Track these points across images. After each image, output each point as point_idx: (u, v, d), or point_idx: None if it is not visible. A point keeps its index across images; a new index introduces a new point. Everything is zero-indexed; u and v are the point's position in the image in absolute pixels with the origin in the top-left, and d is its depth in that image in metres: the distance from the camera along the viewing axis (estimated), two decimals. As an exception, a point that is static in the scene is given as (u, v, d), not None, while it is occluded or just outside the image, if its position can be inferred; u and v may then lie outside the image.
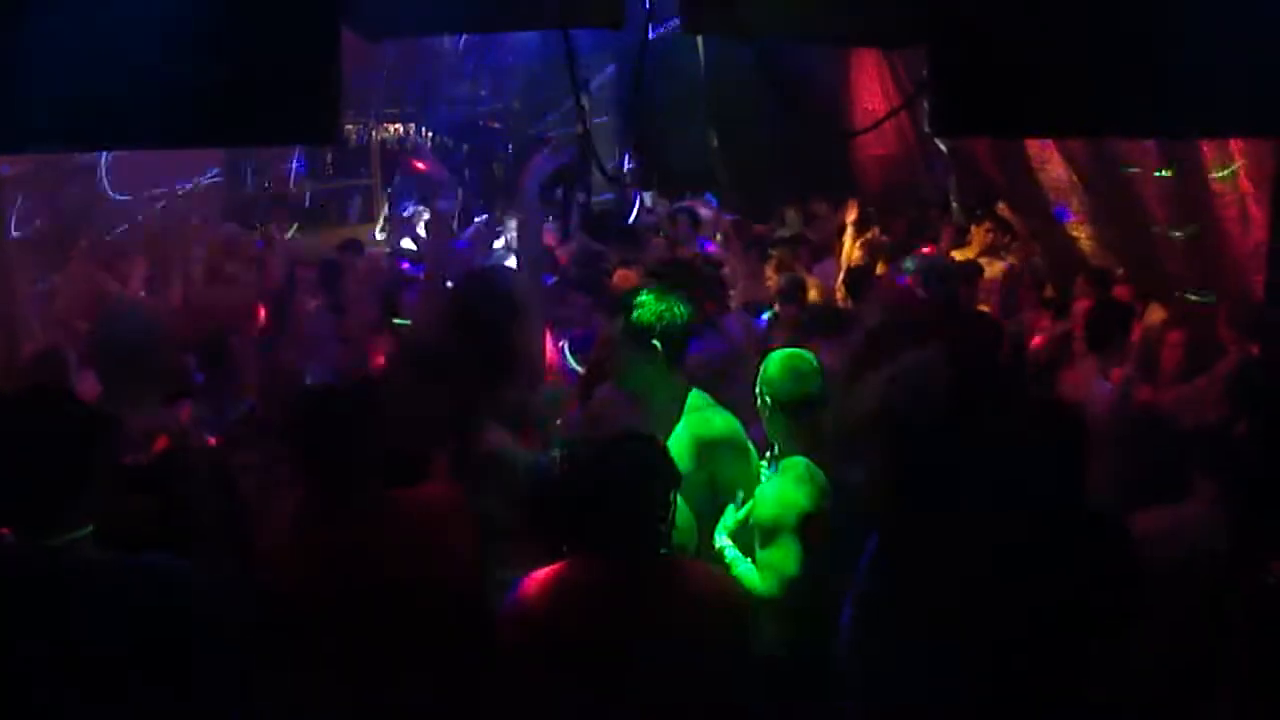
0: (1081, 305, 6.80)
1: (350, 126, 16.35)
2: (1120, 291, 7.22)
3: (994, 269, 8.57)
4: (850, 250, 8.33)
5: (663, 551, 3.08)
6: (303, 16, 2.50)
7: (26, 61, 2.36)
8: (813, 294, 7.84)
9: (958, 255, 9.10)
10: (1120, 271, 8.19)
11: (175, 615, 2.59)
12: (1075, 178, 9.25)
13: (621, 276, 7.31)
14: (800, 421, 3.85)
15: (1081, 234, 9.53)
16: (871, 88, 11.82)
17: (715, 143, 14.35)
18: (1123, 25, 2.72)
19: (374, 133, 16.66)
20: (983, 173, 10.48)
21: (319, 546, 3.12)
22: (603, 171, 2.77)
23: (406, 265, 8.76)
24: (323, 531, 3.14)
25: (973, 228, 9.52)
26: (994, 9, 2.72)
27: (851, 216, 8.37)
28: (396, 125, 17.32)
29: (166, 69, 2.44)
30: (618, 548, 3.01)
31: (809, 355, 3.95)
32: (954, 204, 11.16)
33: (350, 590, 3.05)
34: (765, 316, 7.32)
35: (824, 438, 3.87)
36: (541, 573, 3.04)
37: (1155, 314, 7.10)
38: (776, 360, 3.91)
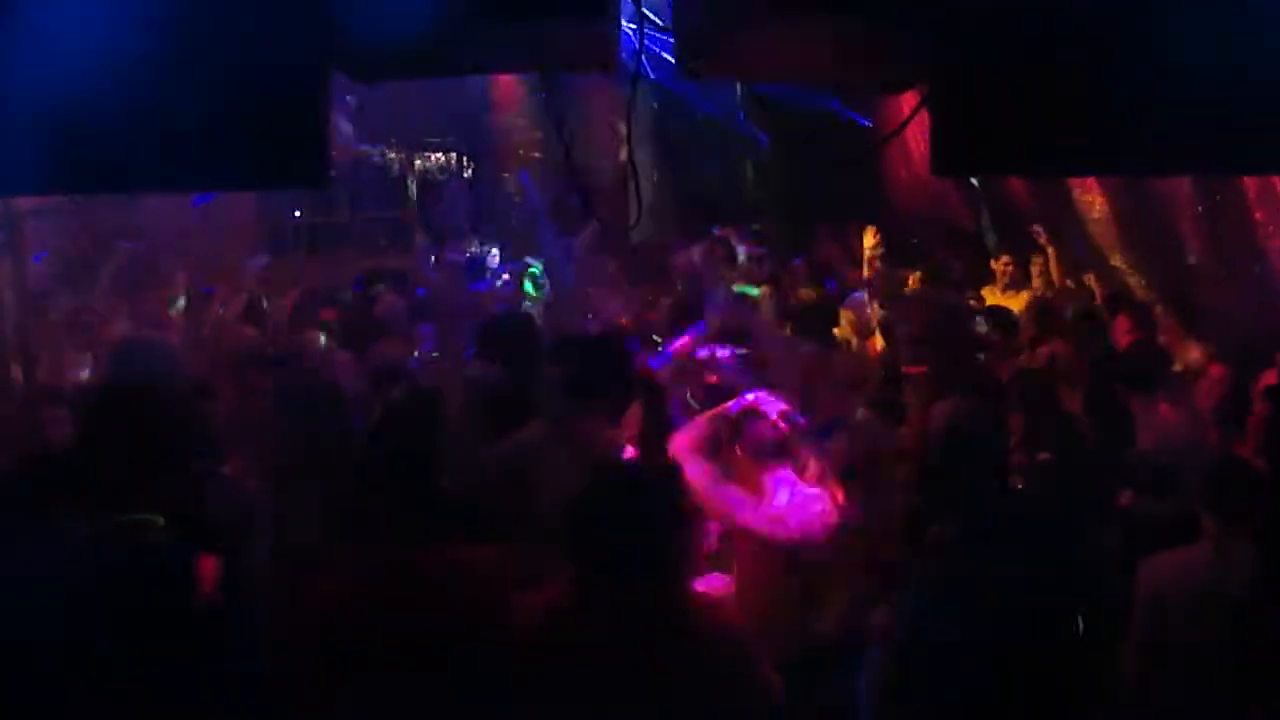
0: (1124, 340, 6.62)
1: (392, 155, 16.48)
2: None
3: (1017, 301, 8.43)
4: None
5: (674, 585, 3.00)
6: (291, 60, 2.50)
7: (5, 105, 2.37)
8: (844, 328, 7.68)
9: (988, 293, 8.97)
10: (1158, 308, 8.04)
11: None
12: (1111, 207, 9.15)
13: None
14: None
15: (1120, 263, 9.42)
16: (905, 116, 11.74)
17: (750, 174, 14.31)
18: (1128, 61, 2.67)
19: (414, 161, 16.73)
20: (1016, 203, 10.39)
21: (362, 592, 3.08)
22: (587, 207, 2.69)
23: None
24: (368, 577, 3.09)
25: (991, 261, 9.39)
26: (994, 49, 2.67)
27: (870, 242, 8.22)
28: (438, 154, 17.38)
29: (149, 113, 2.44)
30: (626, 578, 2.92)
31: None
32: (987, 236, 11.06)
33: (378, 635, 3.00)
34: None
35: None
36: (551, 597, 3.00)
37: (1192, 352, 6.97)
38: None
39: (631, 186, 3.08)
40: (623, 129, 15.00)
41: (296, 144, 2.54)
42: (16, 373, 4.81)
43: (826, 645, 3.94)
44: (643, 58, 2.91)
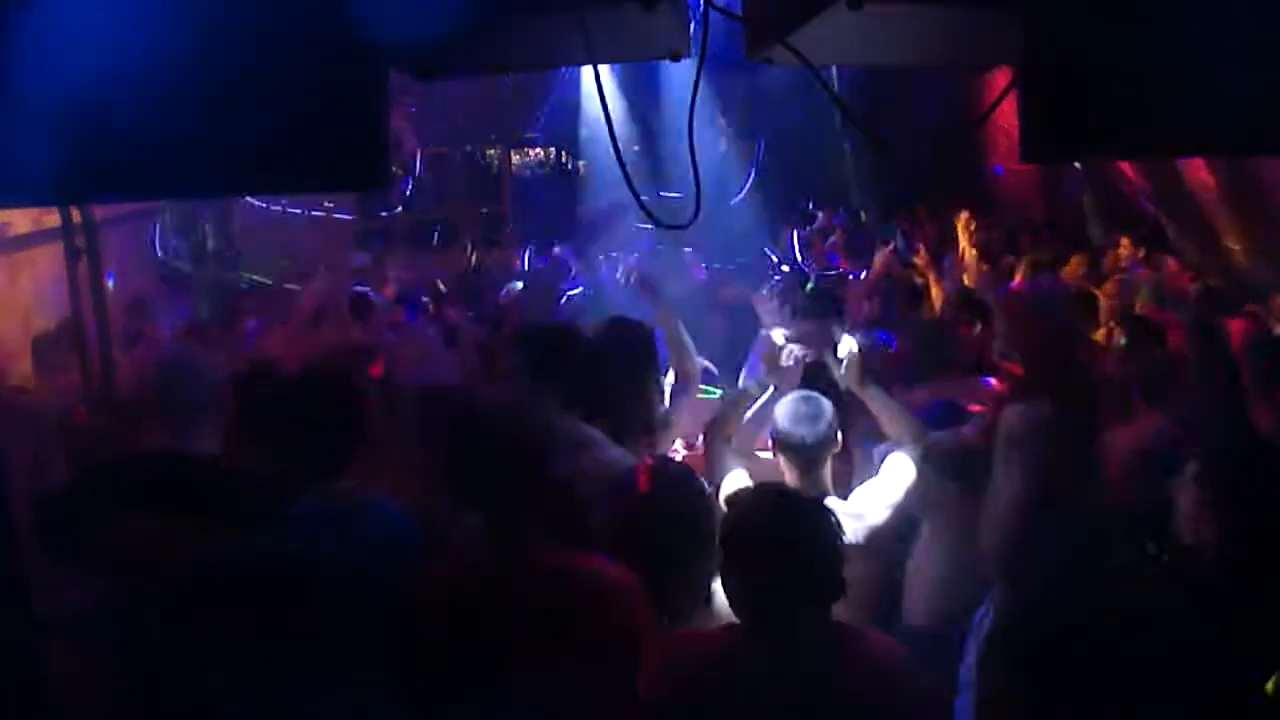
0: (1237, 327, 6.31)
1: (491, 151, 16.50)
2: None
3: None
4: (967, 253, 7.93)
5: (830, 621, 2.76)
6: (348, 61, 2.44)
7: (55, 110, 2.33)
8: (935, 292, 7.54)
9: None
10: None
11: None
12: (1221, 187, 8.86)
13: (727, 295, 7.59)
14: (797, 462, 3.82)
15: (1235, 246, 9.10)
16: (1007, 103, 11.48)
17: (850, 160, 14.14)
18: (1227, 36, 2.50)
19: (510, 155, 16.71)
20: (1126, 183, 10.09)
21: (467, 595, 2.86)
22: (645, 211, 2.58)
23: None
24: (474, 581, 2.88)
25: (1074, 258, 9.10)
26: (1088, 26, 2.53)
27: (964, 237, 8.04)
28: (535, 150, 17.27)
29: (207, 117, 2.40)
30: (782, 616, 2.69)
31: (818, 399, 3.86)
32: (1091, 224, 10.78)
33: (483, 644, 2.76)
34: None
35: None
36: (699, 638, 2.83)
37: None
38: (784, 402, 3.88)
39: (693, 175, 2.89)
40: (720, 119, 14.94)
41: (356, 146, 2.48)
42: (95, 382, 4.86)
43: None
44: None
